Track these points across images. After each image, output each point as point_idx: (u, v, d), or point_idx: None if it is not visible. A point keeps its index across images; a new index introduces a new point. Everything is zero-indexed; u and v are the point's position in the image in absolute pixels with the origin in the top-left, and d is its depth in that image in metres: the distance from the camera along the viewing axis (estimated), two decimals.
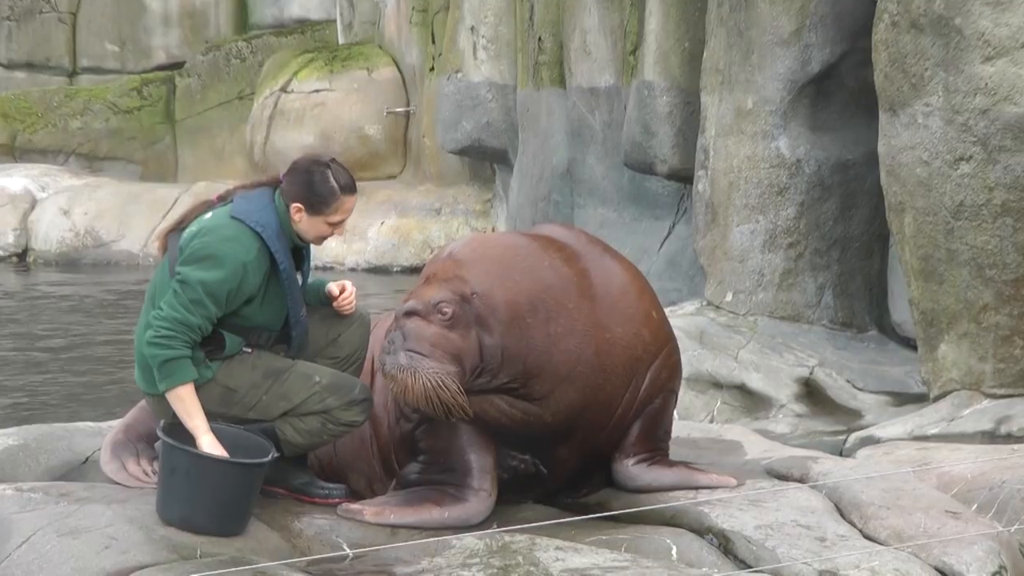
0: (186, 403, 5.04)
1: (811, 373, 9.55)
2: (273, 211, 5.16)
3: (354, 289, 5.41)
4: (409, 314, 5.16)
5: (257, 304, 5.14)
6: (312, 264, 5.44)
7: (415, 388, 5.06)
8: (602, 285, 5.34)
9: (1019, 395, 8.52)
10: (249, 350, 5.20)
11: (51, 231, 19.66)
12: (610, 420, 5.40)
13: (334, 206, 5.16)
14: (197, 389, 5.09)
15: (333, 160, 5.25)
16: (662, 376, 5.45)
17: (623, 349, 5.32)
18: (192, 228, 5.15)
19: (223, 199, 5.26)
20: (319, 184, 5.15)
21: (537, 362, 5.21)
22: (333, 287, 5.39)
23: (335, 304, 5.37)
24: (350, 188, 5.19)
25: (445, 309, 5.15)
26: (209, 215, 5.18)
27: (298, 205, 5.15)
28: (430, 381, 5.05)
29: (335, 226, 5.21)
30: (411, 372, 5.06)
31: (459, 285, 5.19)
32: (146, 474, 5.47)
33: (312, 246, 5.31)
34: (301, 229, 5.19)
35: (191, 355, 5.04)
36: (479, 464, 5.32)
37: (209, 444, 4.99)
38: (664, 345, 5.46)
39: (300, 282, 5.29)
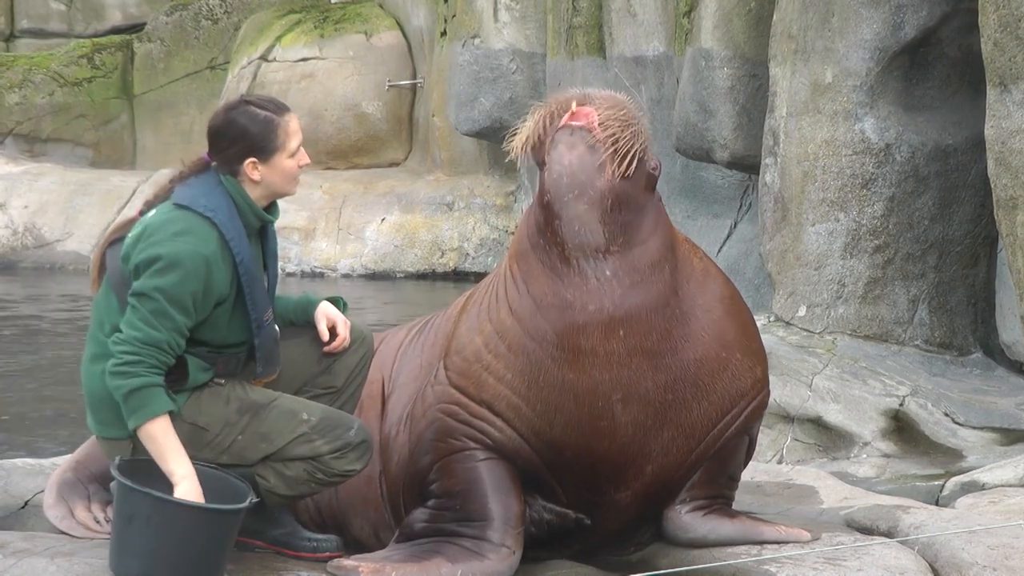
0: (159, 442, 5.03)
1: (901, 404, 9.54)
2: (222, 192, 5.22)
3: (347, 331, 5.47)
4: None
5: (226, 311, 5.18)
6: (282, 266, 5.49)
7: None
8: (738, 312, 5.53)
9: None
10: (222, 381, 5.24)
11: None
12: (689, 455, 5.45)
13: (281, 133, 5.25)
14: None
15: (243, 96, 5.38)
16: (752, 416, 5.57)
17: (732, 377, 5.45)
18: (135, 231, 5.20)
19: (151, 206, 5.30)
20: (251, 124, 5.25)
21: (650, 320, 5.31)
22: (323, 326, 5.45)
23: (324, 349, 5.45)
24: (282, 107, 5.32)
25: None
26: (152, 213, 5.24)
27: (251, 160, 5.23)
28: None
29: (297, 155, 5.29)
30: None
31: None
32: (98, 521, 5.51)
33: (280, 241, 5.35)
34: (271, 183, 5.26)
35: (162, 382, 5.05)
36: (503, 513, 5.35)
37: (189, 491, 4.98)
38: (764, 387, 5.60)
39: (265, 281, 5.32)
